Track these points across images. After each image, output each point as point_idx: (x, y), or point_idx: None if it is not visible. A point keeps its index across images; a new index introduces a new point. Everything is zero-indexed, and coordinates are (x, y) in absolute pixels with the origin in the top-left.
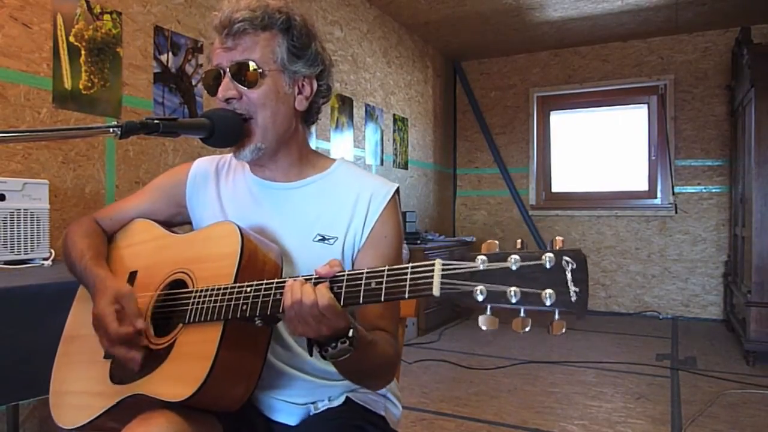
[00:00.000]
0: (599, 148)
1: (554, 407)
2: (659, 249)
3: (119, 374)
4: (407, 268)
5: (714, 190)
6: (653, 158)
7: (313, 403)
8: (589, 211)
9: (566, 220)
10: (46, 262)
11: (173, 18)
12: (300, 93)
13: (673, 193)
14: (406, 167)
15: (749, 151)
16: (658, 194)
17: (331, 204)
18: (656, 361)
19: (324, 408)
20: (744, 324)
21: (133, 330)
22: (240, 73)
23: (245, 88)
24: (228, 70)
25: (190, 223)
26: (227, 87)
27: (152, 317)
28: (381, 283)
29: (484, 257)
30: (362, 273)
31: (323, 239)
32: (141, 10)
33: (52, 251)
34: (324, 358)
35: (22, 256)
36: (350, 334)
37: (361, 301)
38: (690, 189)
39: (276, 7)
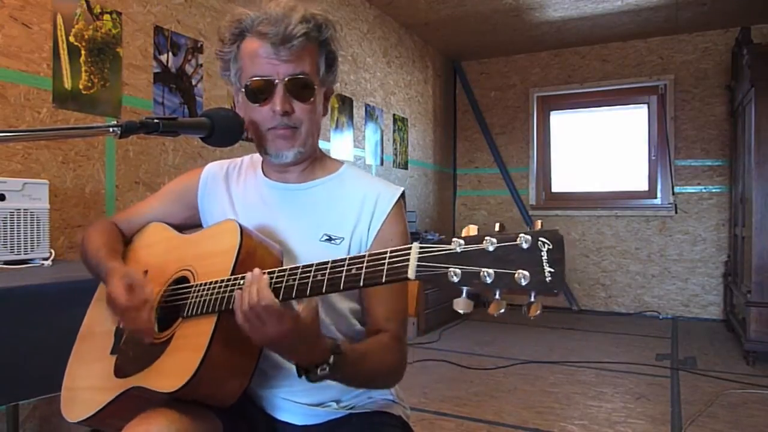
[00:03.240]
0: (599, 148)
1: (554, 407)
2: (659, 249)
3: (123, 368)
4: (386, 252)
5: (714, 190)
6: (653, 158)
7: (319, 404)
8: (589, 211)
9: (566, 220)
10: (46, 262)
11: (173, 18)
12: (326, 101)
13: (673, 193)
14: (406, 167)
15: (749, 151)
16: (658, 194)
17: (338, 205)
18: (656, 361)
19: (339, 415)
20: (744, 324)
21: (144, 297)
22: (296, 87)
23: (299, 102)
24: (283, 83)
25: (201, 226)
26: (284, 100)
27: (157, 313)
28: (361, 268)
29: (460, 240)
30: (345, 259)
31: (330, 239)
32: (141, 10)
33: (52, 251)
34: (310, 381)
35: (22, 256)
36: (331, 360)
37: (341, 288)
38: (690, 189)
39: (322, 19)
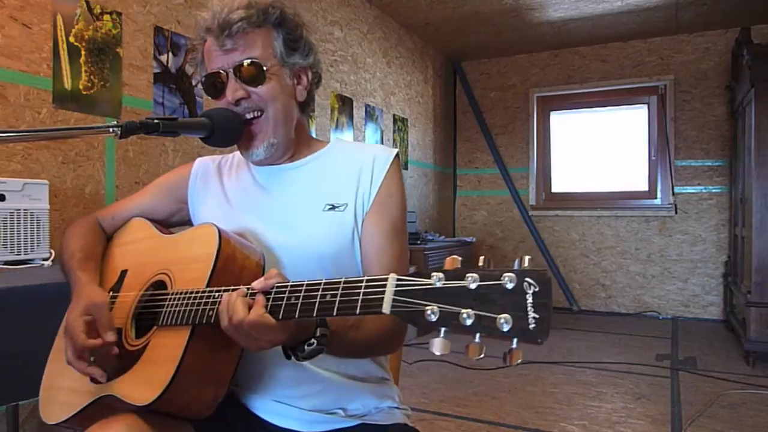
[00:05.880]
0: (599, 148)
1: (554, 407)
2: (659, 249)
3: None
4: (362, 281)
5: (714, 191)
6: (653, 158)
7: (322, 411)
8: (589, 212)
9: (566, 221)
10: (46, 262)
11: (173, 18)
12: (299, 84)
13: (673, 194)
14: (406, 167)
15: (749, 151)
16: (658, 194)
17: (336, 174)
18: (656, 361)
19: (348, 425)
20: (744, 324)
21: (102, 342)
22: (244, 72)
23: (252, 87)
24: (231, 71)
25: (188, 222)
26: (235, 88)
27: (135, 317)
28: (336, 296)
29: (441, 274)
30: (320, 283)
31: (333, 207)
32: (141, 11)
33: (52, 251)
34: (299, 360)
35: (22, 257)
36: (317, 333)
37: (314, 314)
38: (690, 189)
39: (267, 2)
